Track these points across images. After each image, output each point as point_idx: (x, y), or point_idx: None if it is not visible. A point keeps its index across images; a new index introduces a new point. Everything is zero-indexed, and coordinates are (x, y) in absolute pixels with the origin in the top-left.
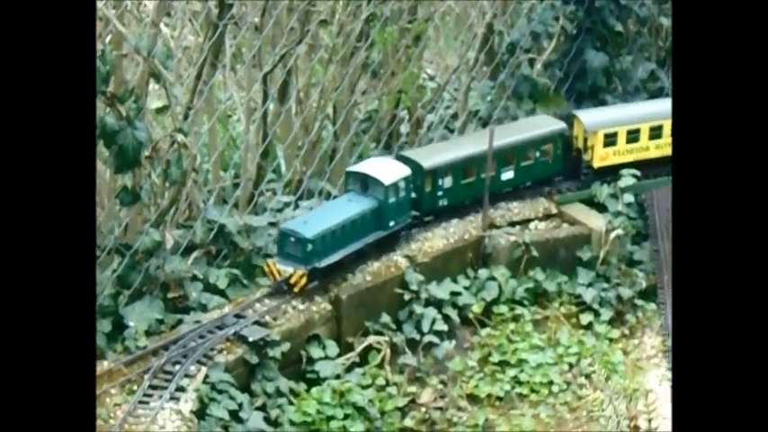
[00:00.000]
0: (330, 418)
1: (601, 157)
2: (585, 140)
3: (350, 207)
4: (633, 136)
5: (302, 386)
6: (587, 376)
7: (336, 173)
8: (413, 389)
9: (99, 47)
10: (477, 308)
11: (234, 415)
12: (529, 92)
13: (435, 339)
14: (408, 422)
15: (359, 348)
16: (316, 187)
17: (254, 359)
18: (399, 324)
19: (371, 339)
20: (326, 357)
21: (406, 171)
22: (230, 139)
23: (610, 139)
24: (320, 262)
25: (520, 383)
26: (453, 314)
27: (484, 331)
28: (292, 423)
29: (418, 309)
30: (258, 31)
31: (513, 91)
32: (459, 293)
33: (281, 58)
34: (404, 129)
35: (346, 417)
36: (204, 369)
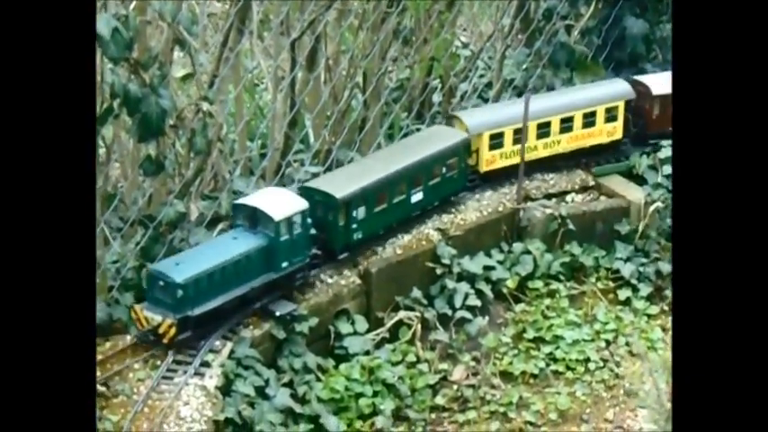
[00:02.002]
0: (359, 395)
1: (487, 161)
2: (470, 144)
3: (234, 246)
4: (519, 136)
5: (330, 362)
6: (628, 352)
7: (366, 143)
8: (444, 366)
9: (122, 12)
10: (511, 283)
11: (260, 391)
12: (566, 60)
13: (468, 315)
14: (440, 400)
15: (389, 324)
16: (345, 158)
17: (281, 334)
18: (431, 299)
19: (402, 315)
20: (355, 333)
21: (301, 204)
22: (257, 108)
23: (496, 141)
24: (193, 310)
25: (555, 360)
26: (487, 289)
27: (518, 307)
28: (320, 400)
29: (450, 283)
30: None
31: (550, 59)
32: (492, 268)
33: (310, 24)
34: (436, 98)
35: (376, 394)
36: (230, 344)
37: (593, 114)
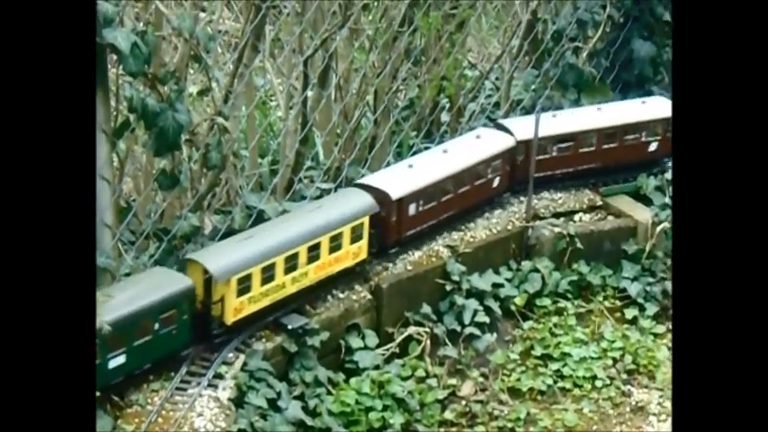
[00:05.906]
0: (369, 409)
1: (235, 309)
2: (209, 290)
3: None
4: (268, 274)
5: (341, 376)
6: (630, 372)
7: (376, 161)
8: (453, 381)
9: (140, 27)
10: (519, 300)
11: (272, 403)
12: (574, 81)
13: (476, 331)
14: (448, 415)
15: (399, 339)
16: (355, 175)
17: (293, 347)
18: (440, 315)
19: (412, 330)
20: (366, 347)
21: None
22: (268, 125)
23: (244, 285)
24: None
25: (563, 377)
26: (495, 306)
27: (526, 324)
28: (331, 413)
29: (459, 300)
30: (300, 15)
31: (558, 80)
32: (501, 285)
33: (323, 42)
34: (445, 117)
35: (385, 408)
36: (242, 356)
37: (339, 236)
